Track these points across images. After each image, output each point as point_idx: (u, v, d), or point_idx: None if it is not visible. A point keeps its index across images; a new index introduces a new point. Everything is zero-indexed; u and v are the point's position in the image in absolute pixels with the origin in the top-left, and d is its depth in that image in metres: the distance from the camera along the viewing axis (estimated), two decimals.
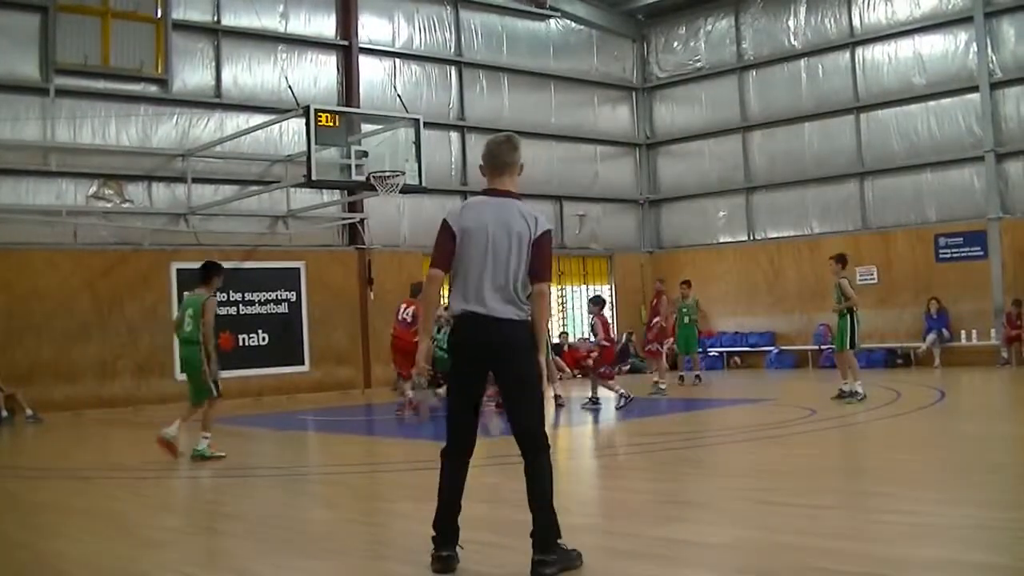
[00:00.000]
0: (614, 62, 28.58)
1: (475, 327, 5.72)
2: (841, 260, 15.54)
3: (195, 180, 20.89)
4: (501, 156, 5.90)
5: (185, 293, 13.28)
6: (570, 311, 27.11)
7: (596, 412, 15.58)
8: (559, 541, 5.61)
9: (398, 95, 22.28)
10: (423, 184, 19.39)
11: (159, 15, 20.65)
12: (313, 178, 18.37)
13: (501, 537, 6.71)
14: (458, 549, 5.87)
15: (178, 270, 20.43)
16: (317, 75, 23.02)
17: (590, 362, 16.37)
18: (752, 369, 25.26)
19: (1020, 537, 6.38)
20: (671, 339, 20.51)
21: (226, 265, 20.69)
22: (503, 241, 5.70)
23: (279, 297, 21.72)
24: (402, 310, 16.21)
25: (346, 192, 21.67)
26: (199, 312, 11.43)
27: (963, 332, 22.50)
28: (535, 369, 5.75)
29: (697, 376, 20.83)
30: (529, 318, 5.76)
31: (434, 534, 5.84)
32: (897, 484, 8.45)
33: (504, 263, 5.69)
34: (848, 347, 15.16)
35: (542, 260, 5.74)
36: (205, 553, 6.79)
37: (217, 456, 11.34)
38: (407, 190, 19.37)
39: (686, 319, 20.60)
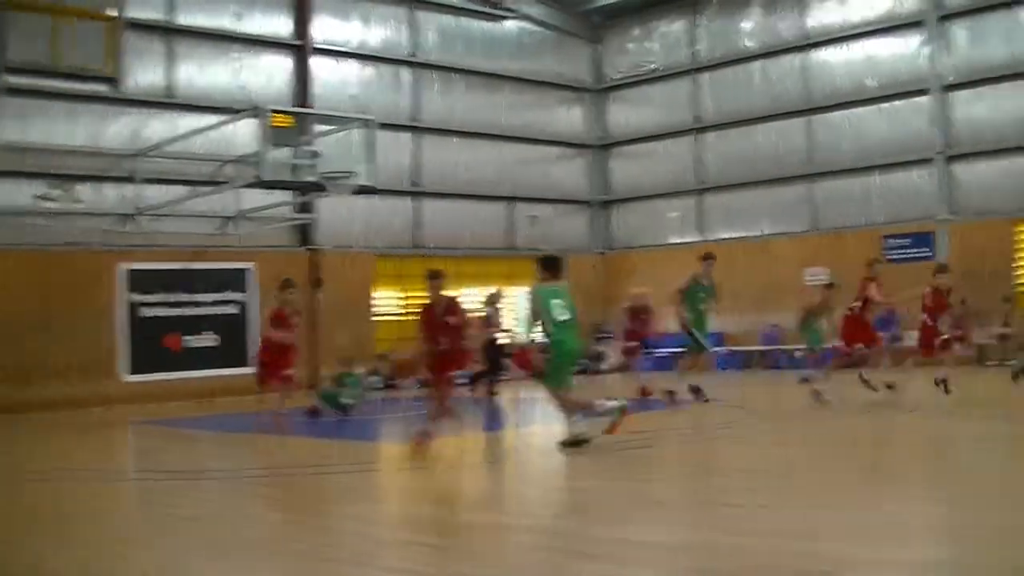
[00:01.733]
0: (569, 63, 28.63)
1: None
2: None
3: (145, 180, 20.59)
4: None
5: (536, 287, 11.43)
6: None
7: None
8: None
9: (352, 95, 22.15)
10: (376, 185, 19.30)
11: (112, 13, 20.37)
12: (264, 179, 18.20)
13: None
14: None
15: (127, 271, 20.23)
16: (271, 75, 22.86)
17: None
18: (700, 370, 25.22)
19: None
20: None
21: (175, 266, 20.91)
22: None
23: (228, 298, 21.58)
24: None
25: (298, 193, 21.50)
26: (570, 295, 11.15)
27: (911, 333, 22.69)
28: None
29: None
30: None
31: None
32: (851, 486, 8.51)
33: None
34: None
35: None
36: (157, 557, 6.70)
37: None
38: (360, 191, 19.26)
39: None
